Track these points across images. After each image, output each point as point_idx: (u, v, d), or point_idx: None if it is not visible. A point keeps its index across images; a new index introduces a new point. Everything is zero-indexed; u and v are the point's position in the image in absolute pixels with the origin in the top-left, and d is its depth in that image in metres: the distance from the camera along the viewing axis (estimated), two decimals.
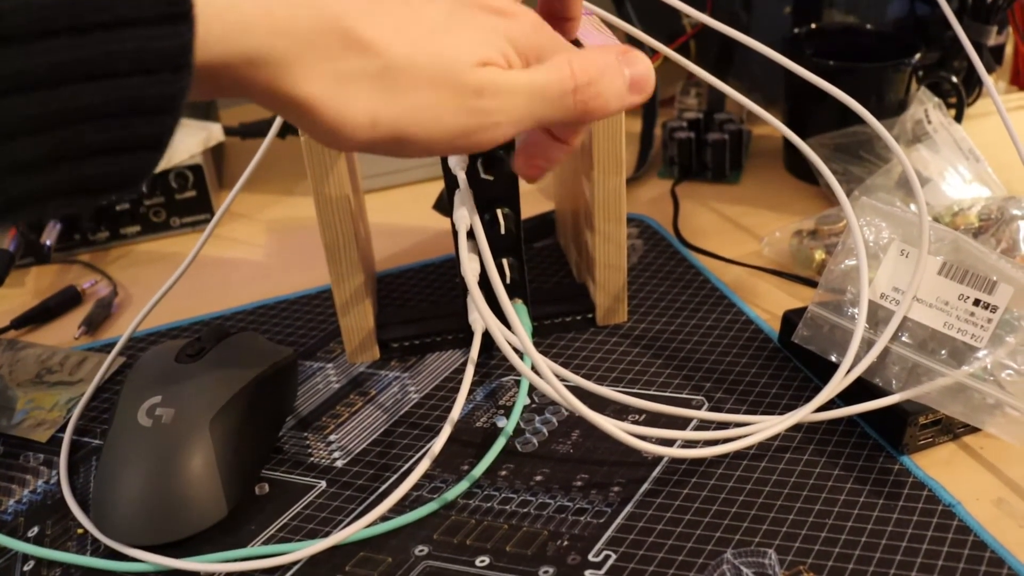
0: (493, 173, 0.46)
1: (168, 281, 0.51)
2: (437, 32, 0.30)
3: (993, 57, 0.75)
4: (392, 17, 0.29)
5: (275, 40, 0.26)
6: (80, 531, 0.42)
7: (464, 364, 0.50)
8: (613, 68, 0.34)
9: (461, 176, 0.44)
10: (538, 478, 0.43)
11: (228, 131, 0.73)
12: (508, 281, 0.49)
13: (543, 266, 0.60)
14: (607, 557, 0.39)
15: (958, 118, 0.69)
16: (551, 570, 0.38)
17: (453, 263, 0.60)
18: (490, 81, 0.31)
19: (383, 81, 0.29)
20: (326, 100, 0.28)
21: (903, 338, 0.44)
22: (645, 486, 0.42)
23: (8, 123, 0.21)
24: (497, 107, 0.31)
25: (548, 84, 0.32)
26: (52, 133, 0.22)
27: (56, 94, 0.22)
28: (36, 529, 0.43)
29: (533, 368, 0.40)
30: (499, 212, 0.47)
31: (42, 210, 0.24)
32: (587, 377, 0.44)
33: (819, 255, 0.56)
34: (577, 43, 0.45)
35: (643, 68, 0.34)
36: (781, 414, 0.43)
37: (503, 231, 0.47)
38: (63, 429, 0.48)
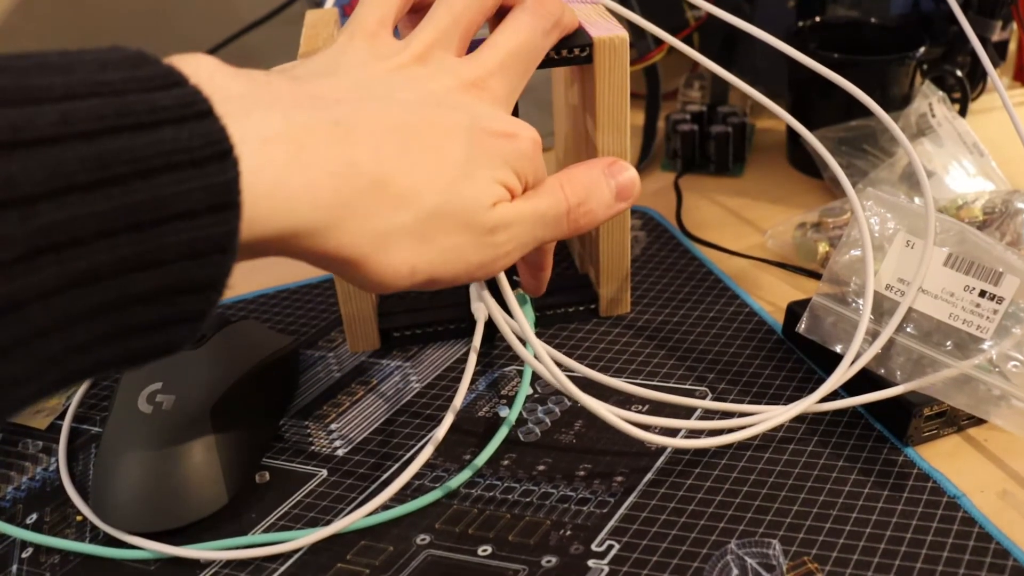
0: None
1: None
2: (459, 178, 0.32)
3: (997, 52, 0.75)
4: (421, 165, 0.31)
5: (318, 212, 0.28)
6: (79, 518, 0.42)
7: (466, 354, 0.50)
8: (599, 183, 0.37)
9: None
10: (541, 468, 0.43)
11: None
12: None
13: None
14: (610, 547, 0.38)
15: (962, 112, 0.69)
16: (554, 560, 0.38)
17: None
18: (502, 218, 0.34)
19: (418, 233, 0.31)
20: (368, 257, 0.30)
21: (908, 329, 0.44)
22: (648, 476, 0.42)
23: (72, 313, 0.22)
24: (508, 238, 0.34)
25: (547, 210, 0.36)
26: (109, 318, 0.23)
27: (115, 284, 0.23)
28: (35, 516, 0.42)
29: (536, 357, 0.40)
30: None
31: (91, 378, 0.25)
32: (590, 367, 0.43)
33: (823, 247, 0.56)
34: (584, 31, 0.45)
35: (627, 177, 0.38)
36: (785, 405, 0.43)
37: None
38: (62, 416, 0.48)
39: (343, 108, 0.30)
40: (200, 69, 0.26)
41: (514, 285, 0.49)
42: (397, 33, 0.38)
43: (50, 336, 0.22)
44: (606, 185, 0.38)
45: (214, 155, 0.24)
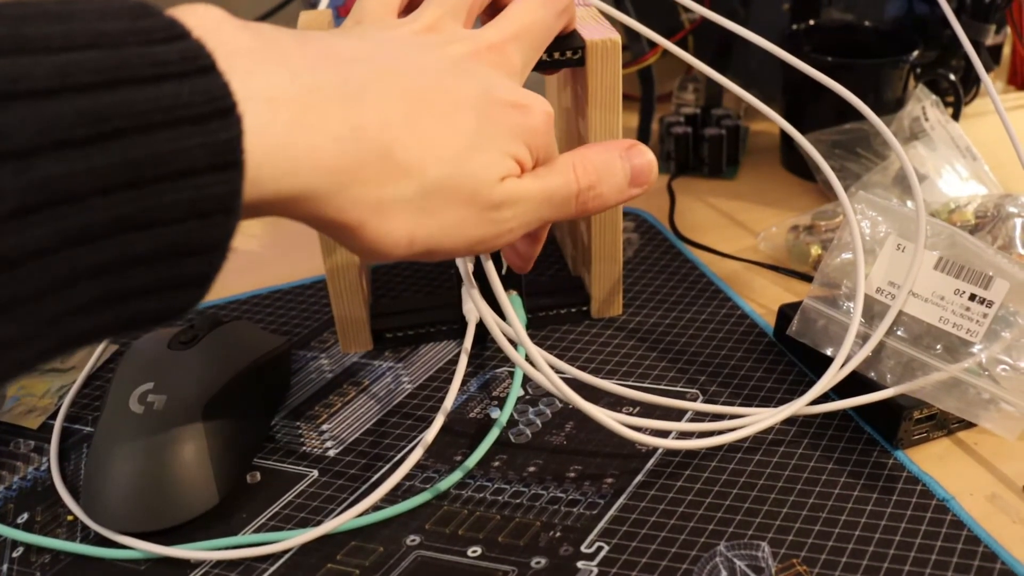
0: None
1: None
2: (467, 150, 0.31)
3: (991, 57, 0.75)
4: (429, 135, 0.30)
5: (320, 177, 0.27)
6: (70, 518, 0.42)
7: (458, 355, 0.50)
8: (614, 167, 0.37)
9: None
10: (531, 469, 0.43)
11: None
12: (503, 272, 0.49)
13: (538, 258, 0.59)
14: (600, 548, 0.39)
15: (955, 116, 0.69)
16: (543, 561, 0.38)
17: None
18: (509, 195, 0.33)
19: (420, 204, 0.30)
20: (367, 225, 0.29)
21: (898, 332, 0.44)
22: (639, 478, 0.42)
23: (69, 274, 0.22)
24: (512, 215, 0.33)
25: (556, 191, 0.35)
26: (108, 278, 0.23)
27: (113, 243, 0.22)
28: (26, 515, 0.42)
29: (527, 358, 0.40)
30: None
31: (91, 343, 0.25)
32: (581, 369, 0.44)
33: (815, 250, 0.56)
34: (576, 34, 0.45)
35: (644, 161, 0.37)
36: (776, 407, 0.43)
37: None
38: (54, 416, 0.48)
39: (353, 68, 0.29)
40: (206, 20, 0.26)
41: (507, 287, 0.50)
42: None
43: (47, 297, 0.22)
44: (620, 169, 0.37)
45: (215, 112, 0.24)
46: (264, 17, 0.85)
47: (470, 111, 0.32)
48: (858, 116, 0.47)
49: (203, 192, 0.23)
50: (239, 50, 0.26)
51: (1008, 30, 0.79)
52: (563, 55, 0.44)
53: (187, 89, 0.23)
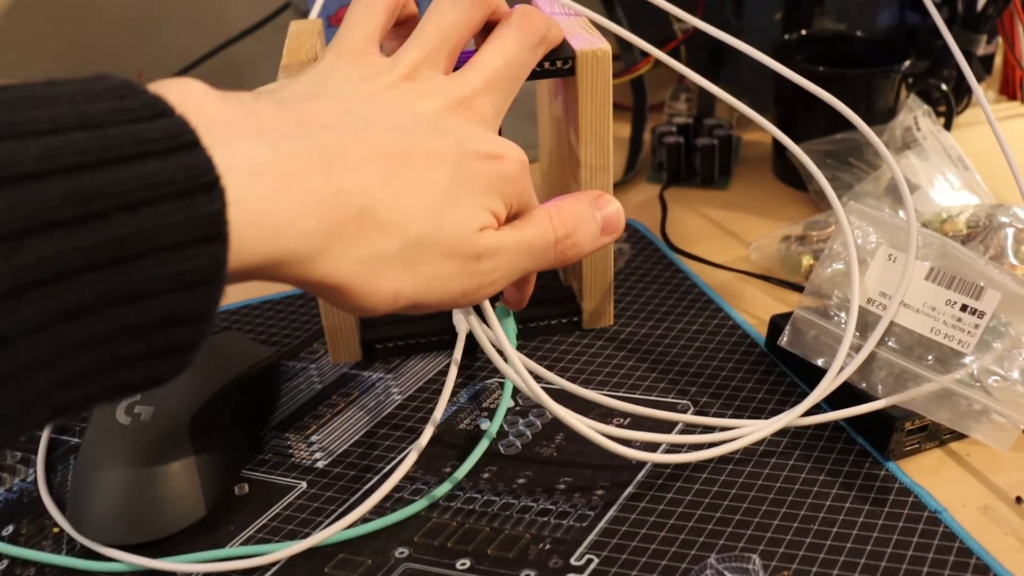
0: None
1: None
2: (444, 204, 0.32)
3: (983, 67, 0.76)
4: (407, 192, 0.31)
5: (302, 241, 0.28)
6: (56, 530, 0.42)
7: (448, 366, 0.50)
8: (587, 215, 0.38)
9: None
10: (521, 481, 0.43)
11: None
12: None
13: None
14: (589, 561, 0.38)
15: (947, 126, 0.69)
16: (533, 573, 0.38)
17: None
18: (488, 246, 0.34)
19: (402, 259, 0.31)
20: (352, 283, 0.30)
21: (890, 343, 0.44)
22: (629, 490, 0.42)
23: (60, 348, 0.22)
24: (493, 267, 0.34)
25: (535, 241, 0.36)
26: (98, 350, 0.23)
27: (102, 317, 0.23)
28: (11, 528, 0.42)
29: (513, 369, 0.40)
30: None
31: (82, 411, 0.26)
32: (572, 380, 0.43)
33: (807, 260, 0.56)
34: (567, 43, 0.45)
35: (613, 210, 0.39)
36: (767, 419, 0.43)
37: None
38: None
39: (330, 134, 0.30)
40: (188, 96, 0.26)
41: (495, 299, 0.49)
42: (383, 49, 0.38)
43: (39, 371, 0.22)
44: (592, 219, 0.38)
45: (200, 186, 0.24)
46: (259, 25, 0.85)
47: (445, 166, 0.32)
48: (850, 126, 0.47)
49: (189, 264, 0.24)
50: (220, 123, 0.27)
51: (1000, 40, 0.79)
52: (553, 65, 0.44)
53: (172, 165, 0.24)
